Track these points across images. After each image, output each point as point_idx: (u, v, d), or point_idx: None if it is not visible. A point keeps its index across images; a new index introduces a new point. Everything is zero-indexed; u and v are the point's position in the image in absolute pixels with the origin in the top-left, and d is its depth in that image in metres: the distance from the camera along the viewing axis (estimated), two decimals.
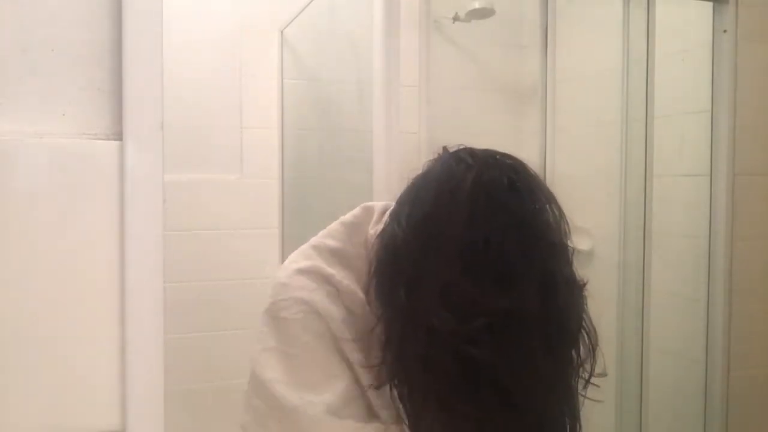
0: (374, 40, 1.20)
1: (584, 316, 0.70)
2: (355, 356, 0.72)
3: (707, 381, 1.63)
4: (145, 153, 0.50)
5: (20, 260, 0.48)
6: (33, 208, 0.48)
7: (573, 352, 0.68)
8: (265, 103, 2.09)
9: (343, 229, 0.80)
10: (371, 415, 0.72)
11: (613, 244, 1.74)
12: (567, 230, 0.69)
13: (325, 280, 0.75)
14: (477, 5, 1.99)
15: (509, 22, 2.24)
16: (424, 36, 1.89)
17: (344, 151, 1.72)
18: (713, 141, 1.62)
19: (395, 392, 0.69)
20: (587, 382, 0.70)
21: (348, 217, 0.82)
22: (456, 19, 2.06)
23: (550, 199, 0.68)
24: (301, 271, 0.75)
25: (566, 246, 0.69)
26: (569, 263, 0.69)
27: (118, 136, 0.50)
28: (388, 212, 0.74)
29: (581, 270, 0.70)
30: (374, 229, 0.77)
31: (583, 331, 0.69)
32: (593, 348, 0.69)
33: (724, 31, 1.59)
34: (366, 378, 0.72)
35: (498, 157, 0.69)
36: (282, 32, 2.07)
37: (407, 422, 0.69)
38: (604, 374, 0.77)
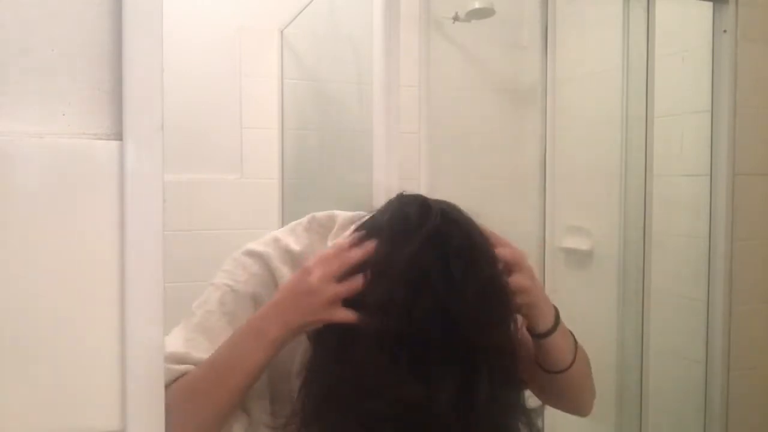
0: (374, 40, 1.20)
1: (521, 416, 0.66)
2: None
3: (707, 381, 1.63)
4: (146, 153, 0.50)
5: (19, 260, 0.48)
6: (32, 208, 0.48)
7: None
8: (264, 103, 2.09)
9: (306, 235, 0.81)
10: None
11: (613, 244, 1.74)
12: (512, 320, 0.65)
13: (270, 273, 0.77)
14: (477, 5, 1.99)
15: (509, 22, 2.24)
16: (424, 36, 1.89)
17: (344, 151, 1.71)
18: (713, 141, 1.62)
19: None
20: None
21: (314, 224, 0.82)
22: (456, 19, 2.06)
23: (493, 277, 0.64)
24: (251, 254, 0.78)
25: (506, 338, 0.64)
26: (507, 354, 0.64)
27: (118, 136, 0.50)
28: (354, 225, 0.73)
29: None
30: (332, 242, 0.78)
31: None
32: None
33: (724, 31, 1.59)
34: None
35: (445, 220, 0.64)
36: (282, 32, 2.07)
37: None
38: None
